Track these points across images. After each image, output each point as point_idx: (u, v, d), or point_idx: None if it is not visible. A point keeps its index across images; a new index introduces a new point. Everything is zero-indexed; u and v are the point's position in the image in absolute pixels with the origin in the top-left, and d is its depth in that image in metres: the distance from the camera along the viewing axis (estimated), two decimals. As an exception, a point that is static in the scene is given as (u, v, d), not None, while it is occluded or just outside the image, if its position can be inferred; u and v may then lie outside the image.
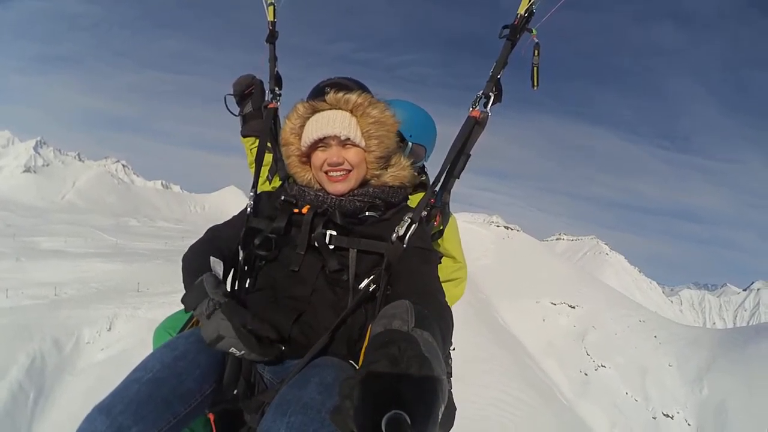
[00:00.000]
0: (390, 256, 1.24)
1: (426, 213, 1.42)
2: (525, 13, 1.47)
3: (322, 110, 1.34)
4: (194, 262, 1.32)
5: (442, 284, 1.29)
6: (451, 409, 1.13)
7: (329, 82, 1.38)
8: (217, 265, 1.31)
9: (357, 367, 1.19)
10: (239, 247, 1.40)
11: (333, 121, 1.30)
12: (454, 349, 1.37)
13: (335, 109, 1.33)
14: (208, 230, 1.49)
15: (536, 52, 1.51)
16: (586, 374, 34.18)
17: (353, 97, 1.31)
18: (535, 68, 1.52)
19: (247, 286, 1.46)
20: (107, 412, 1.00)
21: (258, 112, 2.05)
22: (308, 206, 1.34)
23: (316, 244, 1.29)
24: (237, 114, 2.14)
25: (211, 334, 1.14)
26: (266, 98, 1.99)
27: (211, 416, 1.22)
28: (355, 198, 1.33)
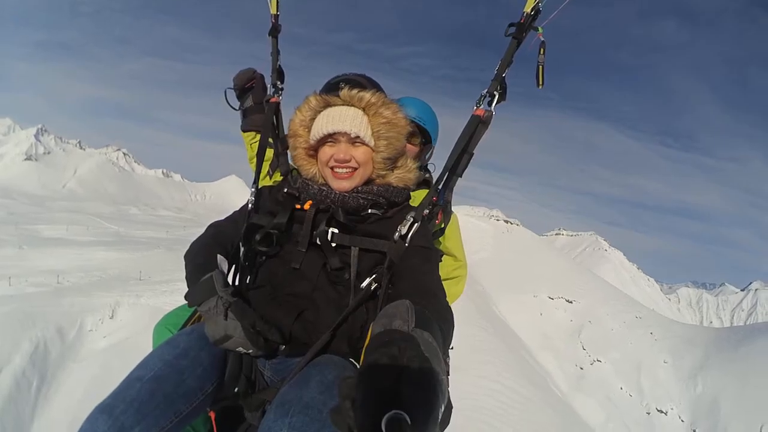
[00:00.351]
0: (392, 255, 1.24)
1: (428, 211, 1.42)
2: (531, 12, 1.45)
3: (335, 105, 1.33)
4: (199, 258, 1.32)
5: (443, 282, 1.29)
6: (448, 407, 1.14)
7: (344, 78, 1.37)
8: (223, 263, 1.31)
9: (358, 366, 1.19)
10: (240, 243, 1.39)
11: (345, 118, 1.29)
12: (452, 348, 1.38)
13: (348, 105, 1.32)
14: (210, 226, 1.48)
15: (542, 50, 1.49)
16: (581, 368, 34.43)
17: (367, 95, 1.30)
18: (541, 67, 1.50)
19: (247, 281, 1.46)
20: (109, 412, 0.99)
21: (259, 107, 2.03)
22: (310, 201, 1.34)
23: (318, 242, 1.29)
24: (237, 108, 2.11)
25: (218, 333, 1.14)
26: (268, 92, 1.97)
27: (212, 414, 1.23)
28: (359, 195, 1.33)
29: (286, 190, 1.41)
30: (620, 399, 31.86)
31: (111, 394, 1.04)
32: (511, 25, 1.47)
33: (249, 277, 1.45)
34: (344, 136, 1.30)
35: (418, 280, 1.20)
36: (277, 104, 1.88)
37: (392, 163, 1.39)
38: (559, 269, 46.56)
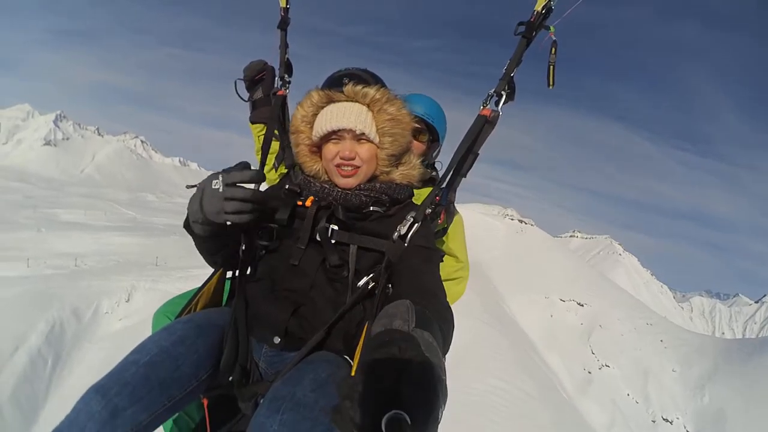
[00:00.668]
0: (390, 255, 1.23)
1: (430, 211, 1.40)
2: (542, 10, 1.40)
3: (338, 101, 1.31)
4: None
5: (443, 282, 1.27)
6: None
7: (347, 73, 1.34)
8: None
9: (352, 363, 1.19)
10: (242, 236, 1.39)
11: (349, 114, 1.27)
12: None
13: (352, 101, 1.30)
14: None
15: (553, 50, 1.44)
16: (589, 372, 34.08)
17: (371, 91, 1.28)
18: (552, 67, 1.45)
19: (247, 274, 1.46)
20: (103, 393, 1.01)
21: (267, 99, 2.02)
22: (312, 198, 1.33)
23: (318, 238, 1.29)
24: (246, 99, 2.11)
25: (215, 206, 1.13)
26: (276, 85, 1.97)
27: (205, 401, 1.24)
28: (361, 192, 1.32)
29: (287, 186, 1.40)
30: (626, 405, 31.48)
31: (107, 375, 1.06)
32: (520, 23, 1.43)
33: (250, 270, 1.45)
34: (349, 133, 1.29)
35: (417, 279, 1.19)
36: (284, 97, 1.88)
37: (397, 160, 1.37)
38: (572, 272, 45.98)
